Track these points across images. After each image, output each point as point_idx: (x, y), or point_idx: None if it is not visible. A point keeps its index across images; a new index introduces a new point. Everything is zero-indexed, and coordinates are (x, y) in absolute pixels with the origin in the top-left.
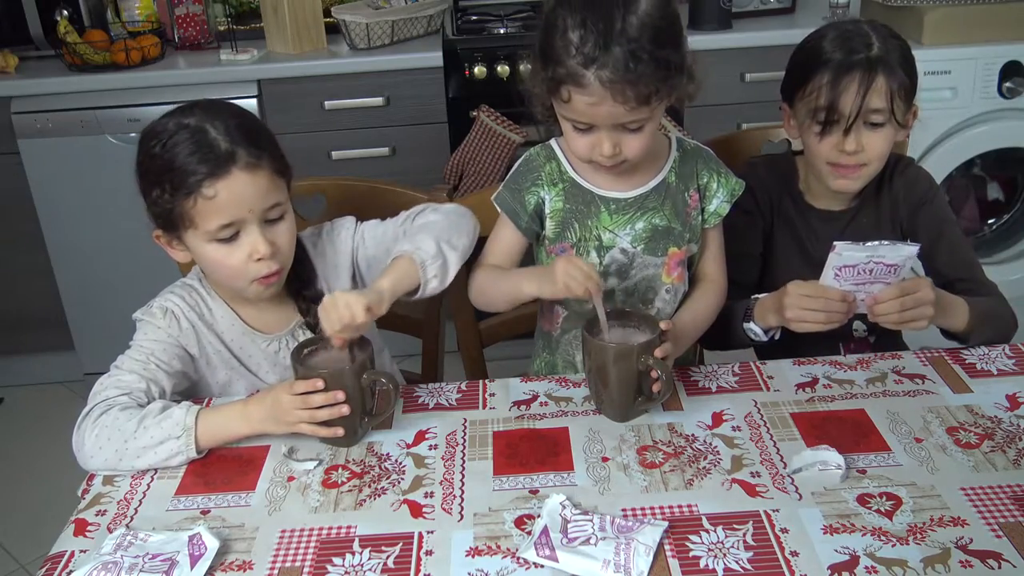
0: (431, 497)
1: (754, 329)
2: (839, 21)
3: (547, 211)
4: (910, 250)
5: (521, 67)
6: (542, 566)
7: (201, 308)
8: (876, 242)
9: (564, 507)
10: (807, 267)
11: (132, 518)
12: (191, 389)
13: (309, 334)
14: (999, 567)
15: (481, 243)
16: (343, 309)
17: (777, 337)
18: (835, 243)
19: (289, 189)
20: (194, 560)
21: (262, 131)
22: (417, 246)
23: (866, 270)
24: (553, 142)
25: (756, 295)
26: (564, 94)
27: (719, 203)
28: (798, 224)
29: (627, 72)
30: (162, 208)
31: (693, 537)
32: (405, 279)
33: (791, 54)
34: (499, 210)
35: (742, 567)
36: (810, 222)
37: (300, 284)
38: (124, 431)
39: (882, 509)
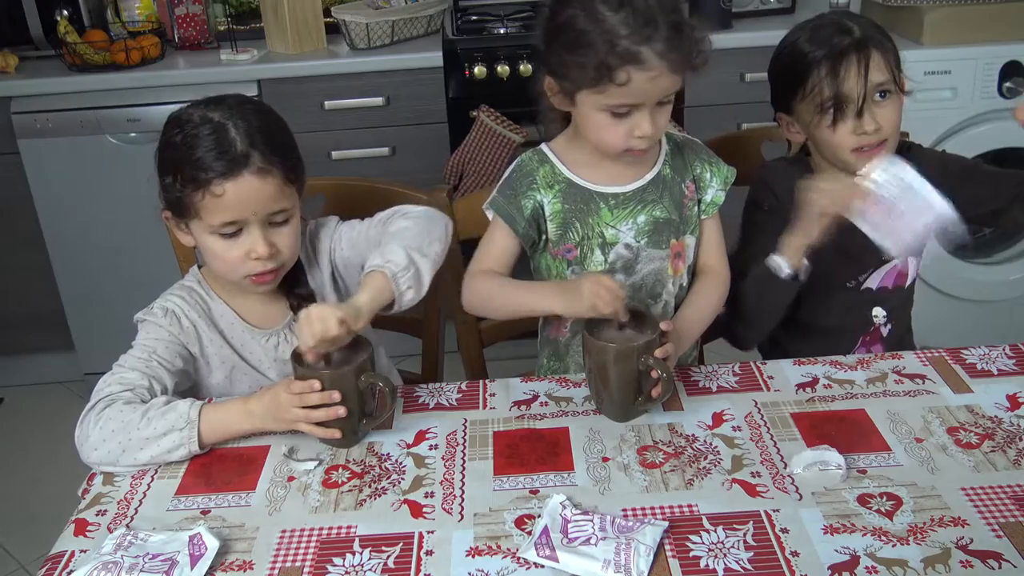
0: (431, 497)
1: (776, 260)
2: (802, 23)
3: (547, 214)
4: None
5: (521, 67)
6: (542, 566)
7: (202, 307)
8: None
9: (564, 507)
10: (829, 263)
11: (132, 518)
12: (192, 390)
13: None
14: (999, 567)
15: (470, 246)
16: (316, 323)
17: (802, 278)
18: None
19: (301, 195)
20: (194, 560)
21: (283, 136)
22: (387, 259)
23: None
24: (543, 146)
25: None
26: (622, 77)
27: (714, 192)
28: None
29: (678, 40)
30: (172, 195)
31: (693, 537)
32: (382, 294)
33: (769, 68)
34: (493, 215)
35: (742, 567)
36: None
37: (292, 281)
38: (128, 423)
39: (882, 509)
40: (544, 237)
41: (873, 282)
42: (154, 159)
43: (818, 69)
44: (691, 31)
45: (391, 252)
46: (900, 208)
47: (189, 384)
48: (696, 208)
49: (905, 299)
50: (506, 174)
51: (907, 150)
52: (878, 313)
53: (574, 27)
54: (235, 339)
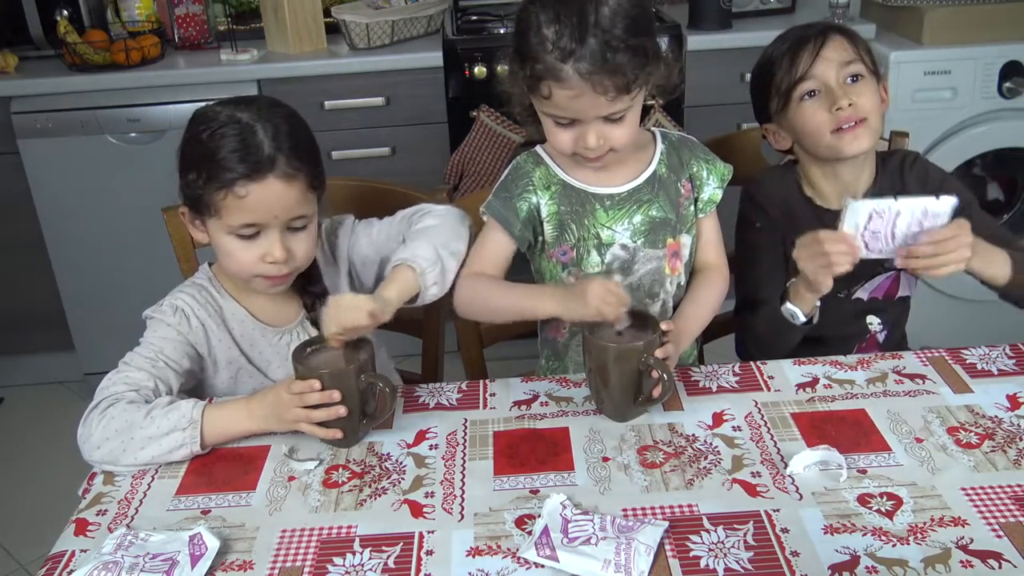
0: (431, 497)
1: (791, 309)
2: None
3: (543, 216)
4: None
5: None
6: (542, 566)
7: (212, 306)
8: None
9: (564, 507)
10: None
11: (133, 518)
12: (197, 388)
13: (316, 328)
14: (999, 567)
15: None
16: (346, 312)
17: (816, 320)
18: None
19: (320, 202)
20: (195, 560)
21: (308, 143)
22: (415, 253)
23: (891, 232)
24: (539, 148)
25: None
26: (544, 90)
27: (712, 190)
28: (814, 229)
29: (604, 62)
30: (193, 191)
31: (694, 537)
32: (407, 287)
33: (750, 86)
34: (489, 218)
35: (742, 567)
36: (826, 225)
37: (305, 280)
38: (131, 422)
39: (882, 509)
40: (541, 239)
41: (864, 293)
42: (176, 154)
43: (783, 62)
44: (633, 54)
45: (419, 248)
46: (898, 231)
47: (194, 383)
48: (692, 207)
49: (901, 311)
50: (502, 177)
51: (913, 161)
52: (873, 321)
53: (520, 33)
54: (244, 338)
